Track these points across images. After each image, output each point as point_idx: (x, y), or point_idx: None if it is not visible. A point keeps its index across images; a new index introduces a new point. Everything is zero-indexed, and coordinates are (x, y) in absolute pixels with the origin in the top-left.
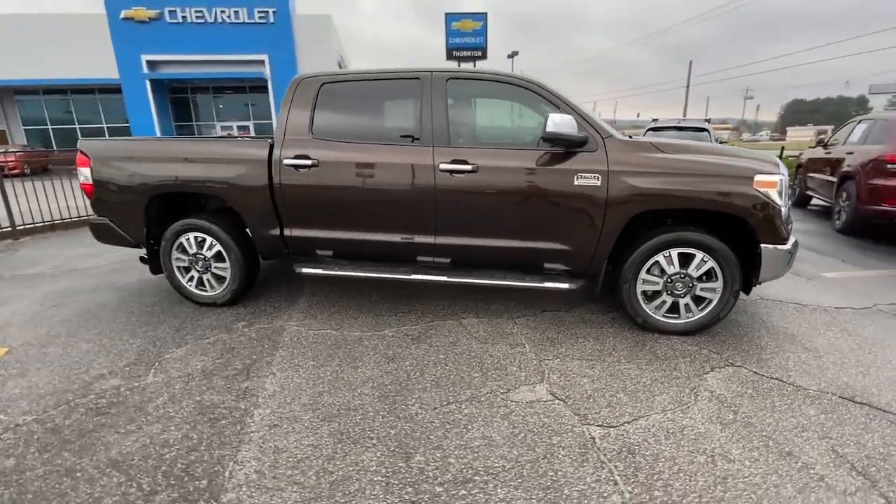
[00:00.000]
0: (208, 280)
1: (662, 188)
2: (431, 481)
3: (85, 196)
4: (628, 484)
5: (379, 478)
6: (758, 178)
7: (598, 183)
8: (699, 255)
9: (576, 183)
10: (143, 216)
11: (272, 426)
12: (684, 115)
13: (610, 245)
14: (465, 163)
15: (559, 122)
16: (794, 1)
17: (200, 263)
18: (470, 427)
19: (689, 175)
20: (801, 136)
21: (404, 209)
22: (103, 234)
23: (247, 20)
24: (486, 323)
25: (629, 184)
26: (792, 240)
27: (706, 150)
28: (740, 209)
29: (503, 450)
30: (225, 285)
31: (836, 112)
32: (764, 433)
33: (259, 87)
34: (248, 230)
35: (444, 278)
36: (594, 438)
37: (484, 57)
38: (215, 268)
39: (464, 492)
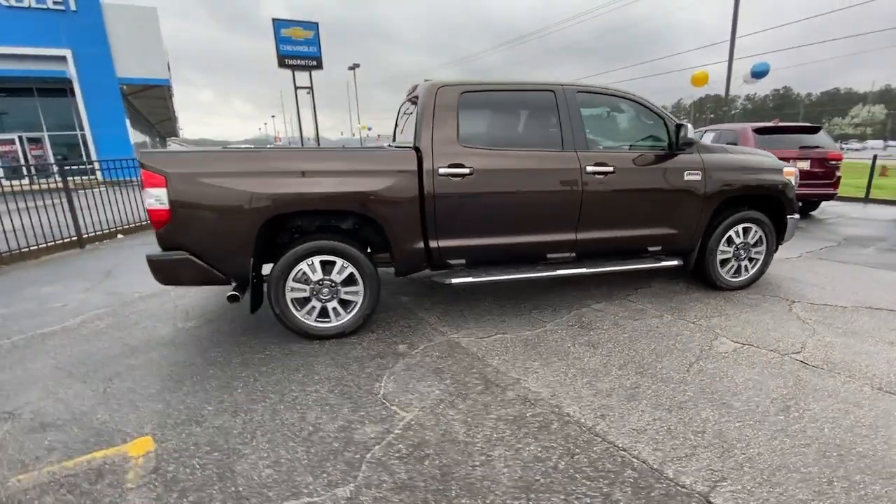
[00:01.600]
0: (334, 309)
1: (738, 179)
2: (769, 413)
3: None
4: (856, 380)
5: (737, 423)
6: (785, 169)
7: (700, 178)
8: (754, 227)
9: (686, 178)
10: (254, 244)
11: (602, 416)
12: None
13: (704, 227)
14: (606, 165)
15: (691, 129)
16: (559, 41)
17: (326, 290)
18: (731, 375)
19: (751, 169)
20: None
21: (554, 210)
22: (176, 273)
23: (34, 5)
24: (613, 305)
25: (718, 177)
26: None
27: (745, 151)
28: (779, 192)
29: (771, 383)
30: (355, 311)
31: None
32: (868, 335)
33: (56, 89)
34: (391, 246)
35: (584, 270)
36: (802, 362)
37: (319, 67)
38: (344, 293)
39: (797, 414)
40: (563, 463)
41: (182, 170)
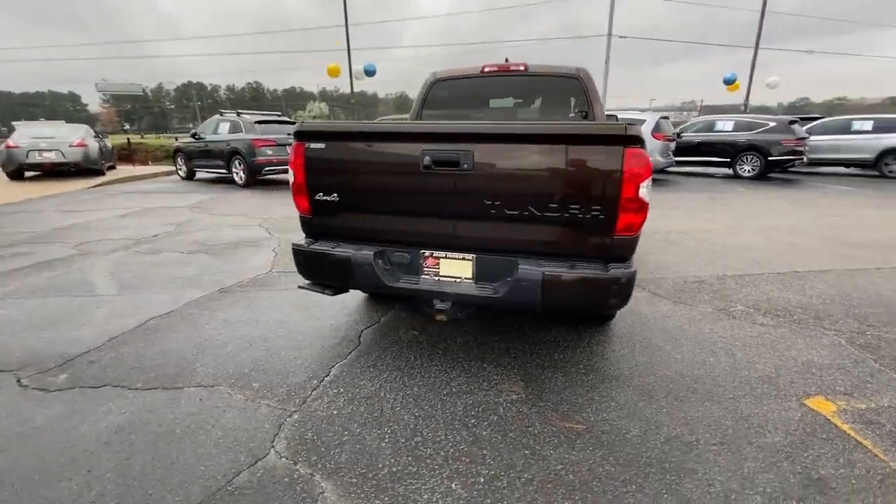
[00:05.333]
0: None
1: None
2: (744, 248)
3: None
4: (707, 231)
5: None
6: None
7: None
8: None
9: None
10: None
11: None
12: None
13: None
14: None
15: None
16: None
17: None
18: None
19: None
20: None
21: None
22: None
23: None
24: None
25: None
26: None
27: None
28: None
29: (698, 243)
30: None
31: (52, 105)
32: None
33: None
34: None
35: None
36: (679, 232)
37: None
38: None
39: (722, 247)
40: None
41: None
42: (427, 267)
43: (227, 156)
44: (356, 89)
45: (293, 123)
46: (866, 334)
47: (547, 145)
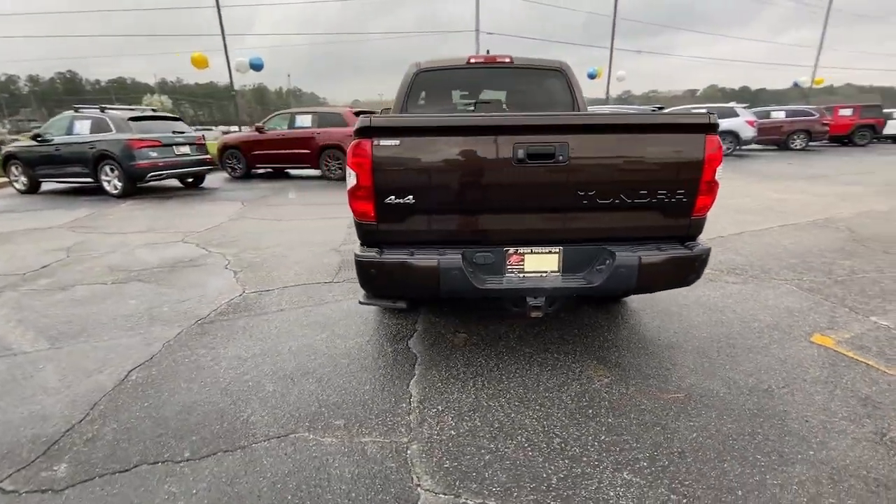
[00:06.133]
0: None
1: None
2: None
3: None
4: None
5: None
6: None
7: None
8: None
9: None
10: None
11: None
12: None
13: None
14: None
15: None
16: None
17: None
18: None
19: None
20: None
21: None
22: None
23: None
24: None
25: None
26: None
27: None
28: None
29: None
30: None
31: None
32: None
33: None
34: None
35: None
36: None
37: None
38: None
39: None
40: None
41: None
42: (511, 264)
43: (92, 161)
44: (203, 80)
45: (178, 120)
46: (804, 280)
47: (639, 134)
